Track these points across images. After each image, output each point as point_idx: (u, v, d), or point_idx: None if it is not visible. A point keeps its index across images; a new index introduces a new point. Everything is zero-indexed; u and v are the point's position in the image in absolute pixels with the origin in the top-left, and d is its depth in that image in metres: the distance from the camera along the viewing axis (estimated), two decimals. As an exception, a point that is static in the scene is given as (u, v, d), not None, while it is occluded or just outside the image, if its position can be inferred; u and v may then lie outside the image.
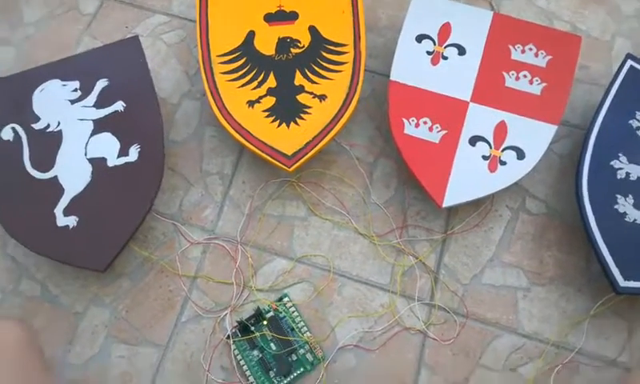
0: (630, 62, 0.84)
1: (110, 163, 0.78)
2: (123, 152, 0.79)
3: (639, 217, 0.76)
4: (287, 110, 0.82)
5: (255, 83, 0.84)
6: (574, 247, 0.82)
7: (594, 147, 0.80)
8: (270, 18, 0.89)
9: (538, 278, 0.81)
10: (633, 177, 0.78)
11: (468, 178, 0.79)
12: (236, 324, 0.75)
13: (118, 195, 0.76)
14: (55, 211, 0.75)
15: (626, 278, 0.74)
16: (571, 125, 0.89)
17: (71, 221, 0.74)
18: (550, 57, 0.85)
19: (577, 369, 0.76)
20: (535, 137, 0.81)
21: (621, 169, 0.79)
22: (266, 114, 0.82)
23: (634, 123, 0.81)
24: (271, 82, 0.84)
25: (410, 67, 0.85)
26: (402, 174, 0.86)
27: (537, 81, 0.83)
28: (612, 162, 0.79)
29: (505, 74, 0.84)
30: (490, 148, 0.80)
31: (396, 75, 0.85)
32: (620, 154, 0.79)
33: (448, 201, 0.78)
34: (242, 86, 0.84)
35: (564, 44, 0.85)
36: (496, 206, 0.85)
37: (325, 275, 0.80)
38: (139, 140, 0.79)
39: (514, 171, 0.79)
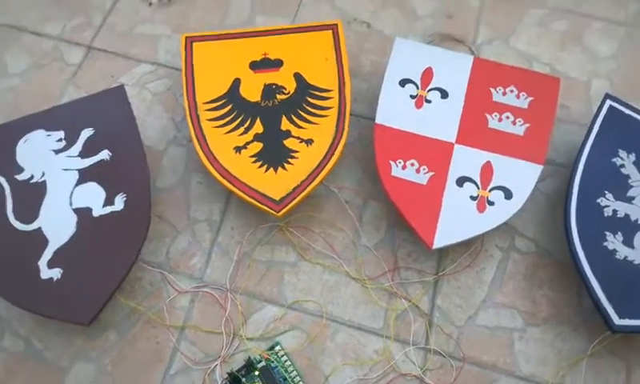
0: (608, 102, 0.87)
1: (96, 213, 0.76)
2: (109, 201, 0.77)
3: (630, 254, 0.77)
4: (274, 154, 0.82)
5: (242, 129, 0.84)
6: (565, 285, 0.82)
7: (579, 186, 0.80)
8: (256, 66, 0.90)
9: (532, 319, 0.80)
10: (620, 214, 0.79)
11: (457, 219, 0.79)
12: (226, 376, 0.73)
13: (103, 245, 0.74)
14: (39, 263, 0.73)
15: (621, 316, 0.73)
16: (556, 164, 0.91)
17: (55, 273, 0.72)
18: (531, 98, 0.87)
19: (576, 412, 0.74)
20: (521, 176, 0.81)
21: (607, 206, 0.79)
22: (254, 159, 0.82)
23: (618, 161, 0.83)
24: (258, 127, 0.84)
25: (394, 110, 0.86)
26: (392, 215, 0.86)
27: (519, 122, 0.85)
28: (598, 200, 0.80)
29: (488, 115, 0.86)
30: (478, 188, 0.81)
31: (381, 118, 0.85)
32: (606, 192, 0.80)
33: (438, 242, 0.78)
34: (229, 132, 0.84)
35: (544, 85, 0.88)
36: (486, 246, 0.84)
37: (317, 321, 0.78)
38: (125, 188, 0.78)
39: (502, 211, 0.79)
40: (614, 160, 0.83)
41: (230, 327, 0.77)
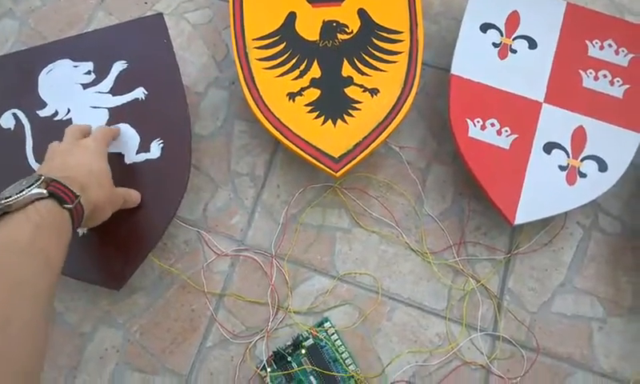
0: None
1: (128, 160, 0.67)
2: (144, 147, 0.67)
3: None
4: (334, 104, 0.71)
5: (297, 72, 0.73)
6: (655, 273, 0.72)
7: (685, 160, 0.69)
8: (314, -1, 0.77)
9: (615, 308, 0.70)
10: None
11: (543, 192, 0.68)
12: (271, 354, 0.65)
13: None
14: (62, 214, 0.64)
15: None
16: (651, 133, 0.79)
17: (81, 228, 0.63)
18: (632, 55, 0.74)
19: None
20: (618, 146, 0.70)
21: None
22: (309, 108, 0.71)
23: None
24: (315, 71, 0.73)
25: (474, 60, 0.74)
26: (459, 182, 0.76)
27: (618, 82, 0.73)
28: None
29: (582, 72, 0.73)
30: (568, 157, 0.70)
31: (458, 69, 0.73)
32: None
33: (521, 218, 0.67)
34: (282, 74, 0.73)
35: (648, 39, 0.75)
36: (566, 223, 0.74)
37: (372, 297, 0.70)
38: (162, 134, 0.68)
39: (595, 185, 0.68)
40: None
41: (274, 298, 0.68)
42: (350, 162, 0.68)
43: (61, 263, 0.49)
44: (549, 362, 0.67)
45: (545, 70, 0.74)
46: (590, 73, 0.73)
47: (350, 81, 0.72)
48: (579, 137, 0.71)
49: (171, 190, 0.66)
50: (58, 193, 0.50)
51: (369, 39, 0.75)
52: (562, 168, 0.69)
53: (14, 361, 0.40)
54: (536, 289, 0.71)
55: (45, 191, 0.49)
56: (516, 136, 0.70)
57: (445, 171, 0.77)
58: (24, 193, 0.48)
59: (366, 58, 0.74)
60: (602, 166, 0.69)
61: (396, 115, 0.71)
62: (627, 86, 0.72)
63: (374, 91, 0.72)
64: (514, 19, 0.76)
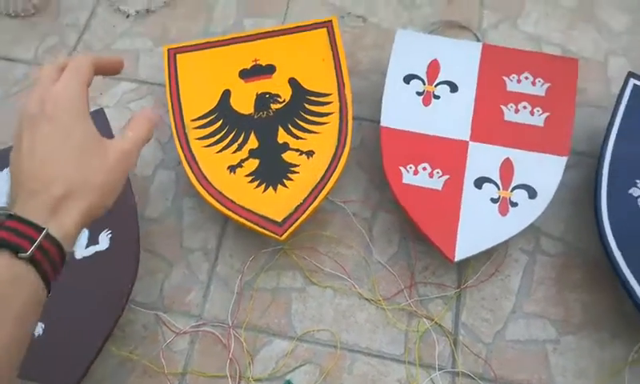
0: (632, 81, 0.79)
1: (78, 255, 0.69)
2: (92, 240, 0.70)
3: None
4: (273, 171, 0.75)
5: (235, 146, 0.77)
6: (601, 286, 0.74)
7: (608, 178, 0.73)
8: (246, 74, 0.82)
9: (566, 327, 0.72)
10: (656, 204, 0.72)
11: (479, 226, 0.72)
12: (236, 424, 0.66)
13: (88, 292, 0.66)
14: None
15: (667, 319, 0.66)
16: (577, 153, 0.83)
17: (37, 329, 0.65)
18: (548, 84, 0.79)
19: (625, 427, 0.67)
20: (545, 171, 0.74)
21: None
22: (250, 178, 0.74)
23: (647, 145, 0.75)
24: (252, 142, 0.77)
25: (400, 110, 0.78)
26: (404, 226, 0.79)
27: (538, 111, 0.77)
28: (630, 191, 0.72)
29: (503, 107, 0.78)
30: (498, 189, 0.73)
31: (387, 121, 0.78)
32: (637, 181, 0.73)
33: (460, 254, 0.70)
34: (221, 150, 0.77)
35: (561, 68, 0.80)
36: (510, 250, 0.77)
37: (331, 352, 0.71)
38: (110, 224, 0.71)
39: (527, 212, 0.72)
40: (644, 145, 0.75)
41: (235, 369, 0.69)
42: (294, 223, 0.71)
43: (13, 354, 0.35)
44: (510, 390, 0.69)
45: (468, 110, 0.78)
46: (511, 106, 0.78)
47: (286, 146, 0.76)
48: (507, 169, 0.74)
49: (122, 278, 0.68)
50: (10, 238, 0.36)
51: (301, 105, 0.79)
52: (493, 200, 0.73)
53: None
54: (489, 319, 0.73)
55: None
56: (447, 176, 0.74)
57: (389, 218, 0.80)
58: None
59: (300, 122, 0.78)
60: (532, 193, 0.73)
61: (333, 172, 0.74)
62: (547, 114, 0.77)
63: (309, 153, 0.76)
64: (434, 67, 0.82)
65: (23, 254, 0.35)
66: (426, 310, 0.74)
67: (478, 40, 0.93)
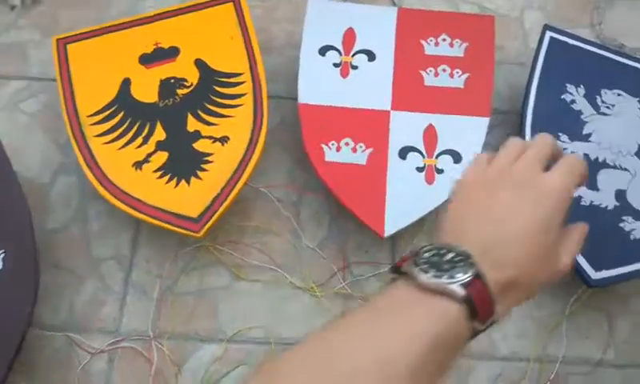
0: (549, 34, 0.78)
1: (-35, 282, 0.61)
2: (-19, 264, 0.62)
3: (595, 197, 0.69)
4: (184, 163, 0.68)
5: (140, 139, 0.70)
6: (533, 245, 0.74)
7: (532, 131, 0.72)
8: (147, 60, 0.75)
9: (503, 290, 0.71)
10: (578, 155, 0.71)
11: (406, 198, 0.69)
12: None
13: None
14: None
15: (598, 269, 0.66)
16: (501, 112, 0.82)
17: None
18: (466, 44, 0.76)
19: (566, 381, 0.67)
20: (468, 134, 0.72)
21: (565, 149, 0.71)
22: (159, 173, 0.68)
23: (567, 97, 0.74)
24: (159, 134, 0.70)
25: (318, 85, 0.74)
26: (333, 206, 0.75)
27: (457, 73, 0.75)
28: (554, 145, 0.71)
29: (422, 72, 0.75)
30: (423, 157, 0.71)
31: (305, 97, 0.73)
32: (560, 134, 0.72)
33: (390, 228, 0.67)
34: (124, 145, 0.69)
35: (477, 27, 0.78)
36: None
37: (266, 350, 0.67)
38: (2, 243, 0.63)
39: (454, 178, 0.69)
40: (564, 96, 0.74)
41: (161, 382, 0.63)
42: (211, 217, 0.66)
43: None
44: (452, 362, 0.67)
45: (387, 78, 0.75)
46: (430, 71, 0.75)
47: (197, 135, 0.70)
48: (430, 135, 0.72)
49: (20, 301, 0.60)
50: (476, 303, 0.34)
51: (210, 88, 0.73)
52: (419, 170, 0.70)
53: None
54: (426, 292, 0.71)
55: (463, 292, 0.33)
56: (371, 149, 0.71)
57: (317, 199, 0.75)
58: (440, 282, 0.33)
59: (211, 107, 0.72)
60: (457, 158, 0.70)
61: (250, 158, 0.69)
62: (467, 75, 0.75)
63: (223, 139, 0.70)
64: (350, 36, 0.77)
65: (478, 325, 0.34)
66: (362, 290, 0.70)
67: (394, 4, 0.89)
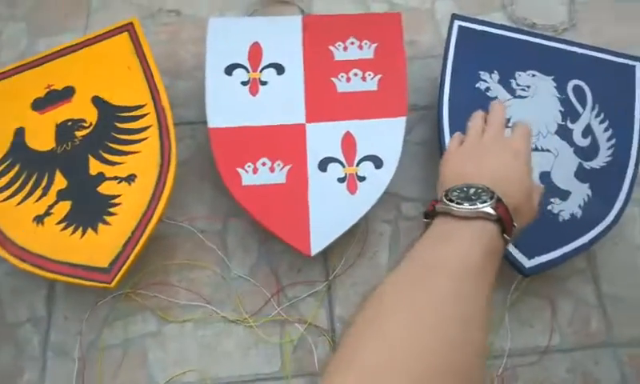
0: (457, 23, 0.77)
1: None
2: None
3: (519, 184, 0.68)
4: (89, 210, 0.64)
5: (39, 192, 0.65)
6: (467, 239, 0.72)
7: (450, 126, 0.71)
8: (40, 104, 0.70)
9: (442, 289, 0.70)
10: (499, 143, 0.70)
11: (330, 211, 0.66)
12: None
13: None
14: None
15: (530, 257, 0.65)
16: (420, 108, 0.80)
17: None
18: (375, 44, 0.75)
19: (515, 374, 0.65)
20: (387, 137, 0.70)
21: (485, 139, 0.70)
22: (62, 225, 0.63)
23: (482, 85, 0.74)
24: (60, 182, 0.65)
25: (227, 106, 0.71)
26: (260, 229, 0.71)
27: (370, 75, 0.73)
28: (473, 136, 0.70)
29: (334, 79, 0.73)
30: (344, 167, 0.68)
31: (214, 121, 0.70)
32: (479, 124, 0.71)
33: (316, 246, 0.64)
34: (22, 200, 0.64)
35: (385, 26, 0.76)
36: (373, 226, 0.73)
37: (202, 393, 0.63)
38: None
39: (376, 183, 0.67)
40: (478, 85, 0.73)
41: None
42: (124, 264, 0.61)
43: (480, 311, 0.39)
44: (398, 373, 0.65)
45: (299, 90, 0.72)
46: (342, 76, 0.73)
47: (101, 177, 0.66)
48: (349, 143, 0.69)
49: None
50: (505, 218, 0.44)
51: (111, 125, 0.69)
52: (340, 180, 0.67)
53: None
54: (365, 305, 0.68)
55: (494, 213, 0.43)
56: (290, 166, 0.68)
57: (242, 225, 0.72)
58: (477, 207, 0.43)
59: (113, 145, 0.68)
60: (378, 163, 0.68)
61: (162, 193, 0.65)
62: (379, 76, 0.73)
63: (130, 178, 0.66)
64: (256, 52, 0.74)
65: (507, 237, 0.45)
66: (298, 313, 0.67)
67: (303, 12, 0.87)
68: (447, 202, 0.45)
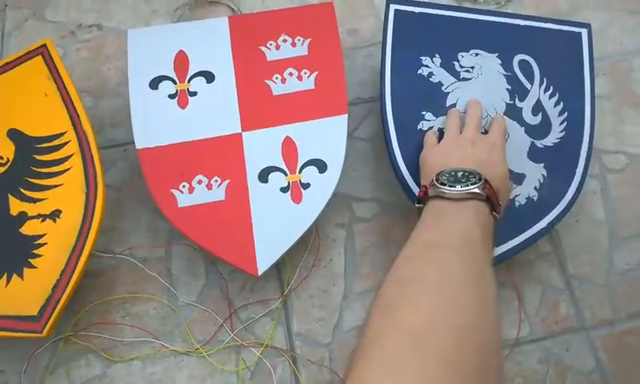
0: (393, 7, 0.72)
1: None
2: None
3: (471, 171, 0.65)
4: (12, 254, 0.59)
5: (-46, 240, 0.59)
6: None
7: (394, 119, 0.67)
8: (-49, 144, 0.64)
9: (403, 290, 0.66)
10: (447, 130, 0.66)
11: (275, 224, 0.62)
12: None
13: None
14: None
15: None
16: (366, 99, 0.76)
17: None
18: (309, 40, 0.70)
19: (485, 368, 0.63)
20: (329, 138, 0.66)
21: (431, 127, 0.67)
22: (-16, 275, 0.58)
23: (424, 71, 0.70)
24: (-23, 227, 0.60)
25: (154, 124, 0.65)
26: (205, 252, 0.67)
27: (306, 73, 0.68)
28: (420, 126, 0.67)
29: (268, 81, 0.68)
30: (286, 175, 0.64)
31: (142, 141, 0.65)
32: (424, 113, 0.67)
33: (263, 265, 0.60)
34: (-64, 253, 0.59)
35: (318, 18, 0.71)
36: (325, 231, 0.69)
37: (156, 436, 0.59)
38: None
39: (322, 189, 0.63)
40: (420, 71, 0.69)
41: None
42: (55, 308, 0.56)
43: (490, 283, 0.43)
44: (363, 385, 0.61)
45: (231, 98, 0.67)
46: (276, 78, 0.68)
47: (23, 217, 0.60)
48: (289, 149, 0.65)
49: None
50: (492, 197, 0.48)
51: (30, 159, 0.63)
52: (283, 189, 0.63)
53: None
54: (323, 317, 0.65)
55: (482, 192, 0.48)
56: (228, 181, 0.63)
57: (186, 248, 0.68)
58: (469, 188, 0.47)
59: (33, 180, 0.62)
60: (322, 167, 0.64)
61: (90, 226, 0.60)
62: (315, 73, 0.68)
63: (55, 214, 0.61)
64: (182, 60, 0.69)
65: (496, 214, 0.49)
66: (254, 335, 0.63)
67: (234, 11, 0.82)
68: (439, 186, 0.48)
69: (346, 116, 0.66)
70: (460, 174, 0.50)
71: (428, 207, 0.49)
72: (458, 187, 0.48)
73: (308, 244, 0.68)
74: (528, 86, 0.69)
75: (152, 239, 0.68)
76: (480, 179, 0.49)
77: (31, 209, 0.61)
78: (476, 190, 0.47)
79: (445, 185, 0.48)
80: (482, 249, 0.44)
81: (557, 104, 0.69)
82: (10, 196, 0.61)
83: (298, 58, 0.69)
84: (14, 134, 0.64)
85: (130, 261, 0.66)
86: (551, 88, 0.69)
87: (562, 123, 0.68)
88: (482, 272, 0.42)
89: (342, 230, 0.69)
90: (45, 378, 0.61)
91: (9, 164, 0.63)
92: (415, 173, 0.63)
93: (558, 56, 0.71)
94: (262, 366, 0.62)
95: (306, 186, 0.63)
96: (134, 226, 0.68)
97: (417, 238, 0.46)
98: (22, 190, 0.62)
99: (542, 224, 0.63)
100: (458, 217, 0.46)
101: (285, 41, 0.70)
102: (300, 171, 0.64)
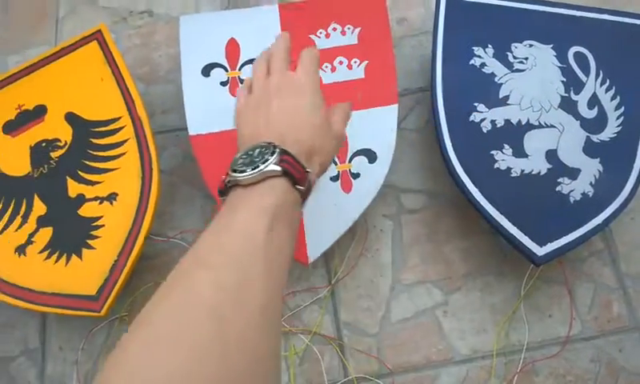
0: (445, -4, 0.72)
1: None
2: None
3: (526, 165, 0.64)
4: (71, 235, 0.61)
5: (18, 220, 0.62)
6: (474, 227, 0.68)
7: (445, 109, 0.66)
8: (12, 127, 0.66)
9: (450, 284, 0.66)
10: (499, 123, 0.66)
11: (325, 213, 0.62)
12: None
13: None
14: None
15: (542, 244, 0.61)
16: (415, 90, 0.76)
17: None
18: (359, 28, 0.70)
19: (534, 369, 0.62)
20: (379, 127, 0.66)
21: (484, 119, 0.66)
22: (45, 253, 0.60)
23: (476, 61, 0.69)
24: (39, 208, 0.62)
25: (206, 111, 0.66)
26: (254, 236, 0.68)
27: (356, 62, 0.68)
28: (472, 117, 0.66)
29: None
30: (336, 164, 0.64)
31: (195, 128, 0.66)
32: (476, 104, 0.66)
33: (314, 253, 0.61)
34: (1, 231, 0.61)
35: (368, 7, 0.71)
36: (372, 222, 0.69)
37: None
38: None
39: (372, 179, 0.63)
40: (472, 62, 0.69)
41: None
42: (112, 289, 0.58)
43: (289, 265, 0.40)
44: (410, 377, 0.62)
45: (282, 85, 0.67)
46: (326, 66, 0.68)
47: (81, 199, 0.62)
48: (339, 138, 0.65)
49: None
50: (292, 171, 0.42)
51: (87, 142, 0.65)
52: (333, 179, 0.64)
53: None
54: (370, 307, 0.65)
55: (279, 168, 0.41)
56: (278, 169, 0.64)
57: (235, 233, 0.68)
58: (259, 169, 0.40)
59: (91, 163, 0.64)
60: (372, 157, 0.64)
61: (146, 209, 0.62)
62: (366, 62, 0.68)
63: (111, 197, 0.62)
64: (233, 48, 0.70)
65: (300, 187, 0.42)
66: (302, 323, 0.64)
67: (274, 1, 0.82)
68: (232, 173, 0.42)
69: (396, 106, 0.66)
70: (257, 152, 0.42)
71: (226, 200, 0.42)
72: (249, 170, 0.40)
73: (355, 234, 0.68)
74: (584, 78, 0.68)
75: (203, 224, 0.69)
76: (273, 153, 0.41)
77: (89, 191, 0.63)
78: (269, 168, 0.40)
79: (236, 171, 0.41)
80: (264, 247, 0.37)
81: (613, 98, 0.67)
82: (68, 178, 0.63)
83: (348, 46, 0.69)
84: (71, 118, 0.66)
85: (182, 245, 0.68)
86: (608, 81, 0.68)
87: (618, 118, 0.66)
88: (247, 292, 0.35)
89: (390, 221, 0.69)
90: (100, 356, 0.63)
91: (67, 147, 0.65)
92: (472, 165, 0.63)
93: (614, 48, 0.69)
94: (310, 353, 0.63)
95: (356, 175, 0.63)
96: (186, 211, 0.70)
97: (192, 249, 0.39)
98: (79, 172, 0.64)
99: (598, 221, 0.61)
100: (244, 211, 0.39)
101: (335, 29, 0.70)
102: (350, 161, 0.64)
